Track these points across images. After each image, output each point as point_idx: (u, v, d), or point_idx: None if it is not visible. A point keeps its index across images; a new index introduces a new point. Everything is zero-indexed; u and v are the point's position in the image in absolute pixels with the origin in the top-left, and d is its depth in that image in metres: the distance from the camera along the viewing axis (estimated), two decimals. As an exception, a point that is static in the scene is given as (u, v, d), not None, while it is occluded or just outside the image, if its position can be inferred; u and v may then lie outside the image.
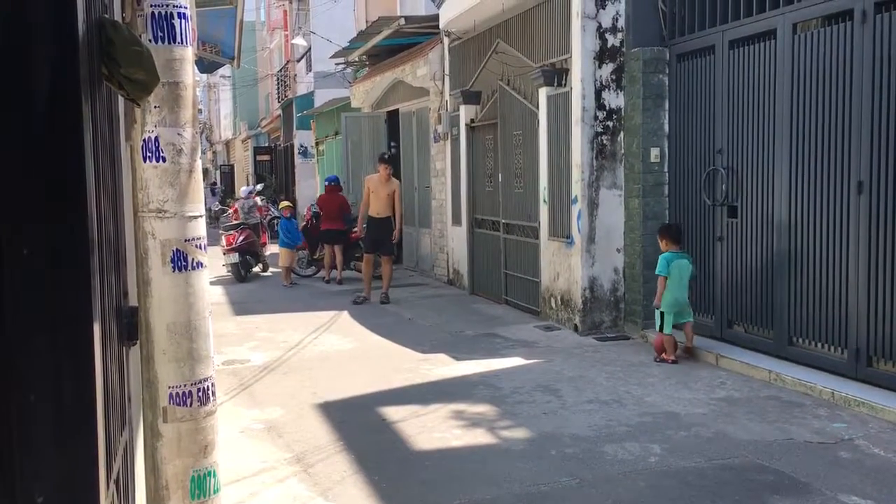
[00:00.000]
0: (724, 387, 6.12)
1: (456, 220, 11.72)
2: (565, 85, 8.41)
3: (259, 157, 34.10)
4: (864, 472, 4.37)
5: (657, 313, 6.99)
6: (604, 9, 8.00)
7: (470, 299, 10.85)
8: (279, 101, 29.28)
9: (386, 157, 11.05)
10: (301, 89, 25.35)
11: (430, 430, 5.30)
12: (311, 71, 23.76)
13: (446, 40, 11.79)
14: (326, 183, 13.25)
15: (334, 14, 21.10)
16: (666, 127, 7.86)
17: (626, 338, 7.95)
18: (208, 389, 2.73)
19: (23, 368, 1.68)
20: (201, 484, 2.71)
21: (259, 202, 15.85)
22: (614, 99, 8.09)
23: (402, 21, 12.23)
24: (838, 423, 5.17)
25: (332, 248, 12.69)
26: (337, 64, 18.20)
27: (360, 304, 10.38)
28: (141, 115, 2.59)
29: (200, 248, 2.70)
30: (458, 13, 10.44)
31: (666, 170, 7.88)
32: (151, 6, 2.58)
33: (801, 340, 6.34)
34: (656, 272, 7.01)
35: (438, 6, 11.40)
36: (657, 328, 7.01)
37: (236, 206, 16.58)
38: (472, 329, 8.69)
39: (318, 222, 13.10)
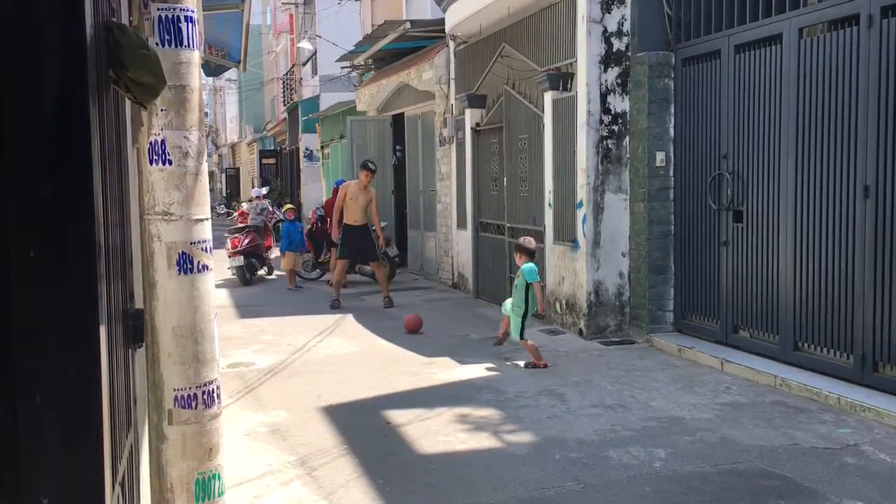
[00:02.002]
0: (730, 392, 6.11)
1: (461, 224, 11.73)
2: (571, 89, 8.41)
3: (265, 161, 34.22)
4: (869, 477, 4.36)
5: (518, 320, 7.13)
6: (609, 13, 8.00)
7: (475, 303, 10.84)
8: (285, 105, 29.38)
9: (370, 165, 10.97)
10: (307, 93, 25.43)
11: (435, 433, 5.30)
12: (316, 74, 23.82)
13: (452, 44, 11.81)
14: (335, 186, 13.31)
15: (340, 18, 21.16)
16: (671, 131, 7.86)
17: (632, 342, 7.94)
18: (213, 392, 2.74)
19: (29, 370, 1.69)
20: (206, 486, 2.71)
21: (268, 205, 15.94)
22: (620, 103, 8.09)
23: (408, 25, 12.25)
24: (844, 429, 5.15)
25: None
26: (343, 68, 18.25)
27: (337, 309, 10.35)
28: (147, 119, 2.59)
29: (206, 251, 2.70)
30: (463, 17, 10.45)
31: (671, 174, 7.88)
32: (158, 10, 2.59)
33: (806, 345, 6.32)
34: (534, 280, 7.14)
35: (444, 10, 11.42)
36: (519, 336, 7.14)
37: (242, 209, 16.62)
38: (476, 333, 8.69)
39: (324, 226, 13.13)
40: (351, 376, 6.93)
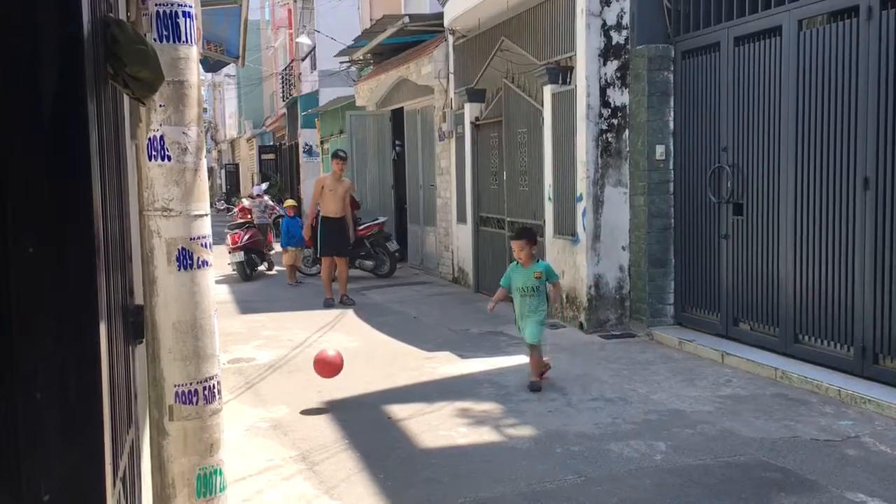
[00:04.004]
0: (730, 384, 6.11)
1: (461, 219, 11.72)
2: (570, 83, 8.40)
3: (264, 156, 34.18)
4: (870, 469, 4.36)
5: (541, 327, 6.27)
6: (608, 6, 7.98)
7: (475, 297, 10.84)
8: (284, 100, 29.33)
9: (341, 154, 10.71)
10: (306, 88, 25.39)
11: (436, 428, 5.30)
12: (315, 69, 23.79)
13: (451, 38, 11.78)
14: None
15: (339, 12, 21.13)
16: (671, 124, 7.85)
17: (632, 335, 7.95)
18: (214, 388, 2.74)
19: (29, 367, 1.68)
20: (207, 482, 2.72)
21: (269, 201, 15.98)
22: (619, 96, 8.08)
23: (407, 19, 12.23)
24: (844, 421, 5.16)
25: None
26: (341, 62, 18.22)
27: (332, 307, 10.16)
28: (146, 114, 2.59)
29: (206, 246, 2.70)
30: (462, 11, 10.43)
31: (671, 167, 7.87)
32: (156, 5, 2.58)
33: (807, 338, 6.33)
34: (557, 278, 6.50)
35: (443, 4, 11.39)
36: (537, 339, 6.21)
37: (242, 204, 16.62)
38: (477, 327, 8.69)
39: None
40: (351, 371, 6.92)
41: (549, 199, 8.86)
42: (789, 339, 6.46)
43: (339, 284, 10.51)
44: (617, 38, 8.02)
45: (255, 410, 5.88)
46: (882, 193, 5.53)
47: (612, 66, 8.04)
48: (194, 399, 2.67)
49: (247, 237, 13.32)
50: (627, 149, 8.11)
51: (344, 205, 10.47)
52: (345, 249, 10.64)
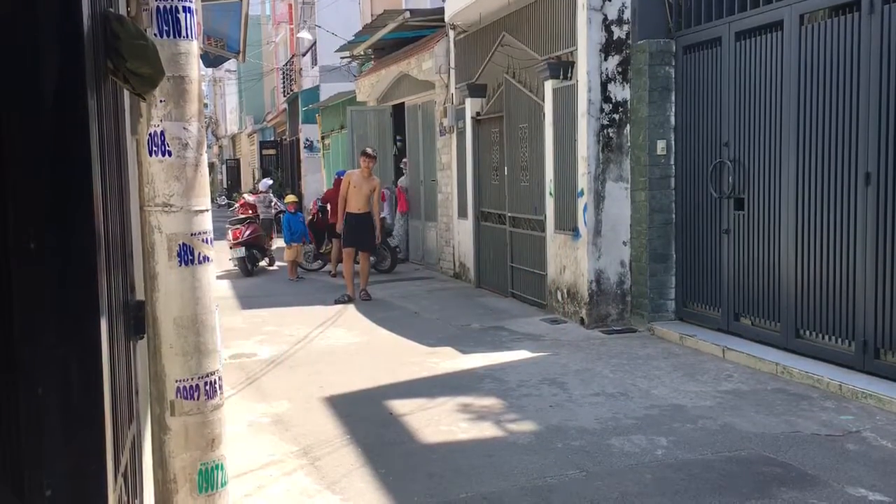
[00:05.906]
0: (731, 379, 6.11)
1: (462, 214, 11.72)
2: (571, 78, 8.38)
3: (265, 152, 34.17)
4: (871, 464, 4.37)
5: None
6: (609, 1, 7.97)
7: (476, 293, 10.85)
8: (285, 96, 29.30)
9: (369, 151, 10.79)
10: (307, 83, 25.36)
11: (437, 423, 5.31)
12: (316, 65, 23.76)
13: (452, 33, 11.76)
14: (336, 177, 13.31)
15: (339, 8, 21.10)
16: (672, 119, 7.84)
17: (633, 331, 7.95)
18: (215, 383, 2.74)
19: (30, 362, 1.69)
20: (209, 477, 2.72)
21: (272, 196, 16.03)
22: (620, 91, 8.07)
23: (408, 14, 12.22)
24: (845, 416, 5.16)
25: (339, 241, 12.68)
26: (342, 58, 18.21)
27: (347, 304, 10.14)
28: (147, 110, 2.59)
29: (207, 242, 2.70)
30: (463, 6, 10.42)
31: (672, 162, 7.86)
32: (156, 0, 2.58)
33: (808, 333, 6.32)
34: None
35: (444, -1, 11.37)
36: None
37: (243, 199, 16.63)
38: (478, 322, 8.69)
39: (325, 216, 13.14)
40: (353, 366, 6.94)
41: (550, 194, 8.86)
42: (790, 333, 6.46)
43: (361, 279, 10.62)
44: (618, 32, 8.01)
45: (256, 405, 5.89)
46: (883, 188, 5.52)
47: (614, 60, 8.03)
48: (195, 394, 2.68)
49: (248, 233, 13.32)
50: (628, 144, 8.10)
51: (367, 201, 10.51)
52: (366, 244, 10.70)
